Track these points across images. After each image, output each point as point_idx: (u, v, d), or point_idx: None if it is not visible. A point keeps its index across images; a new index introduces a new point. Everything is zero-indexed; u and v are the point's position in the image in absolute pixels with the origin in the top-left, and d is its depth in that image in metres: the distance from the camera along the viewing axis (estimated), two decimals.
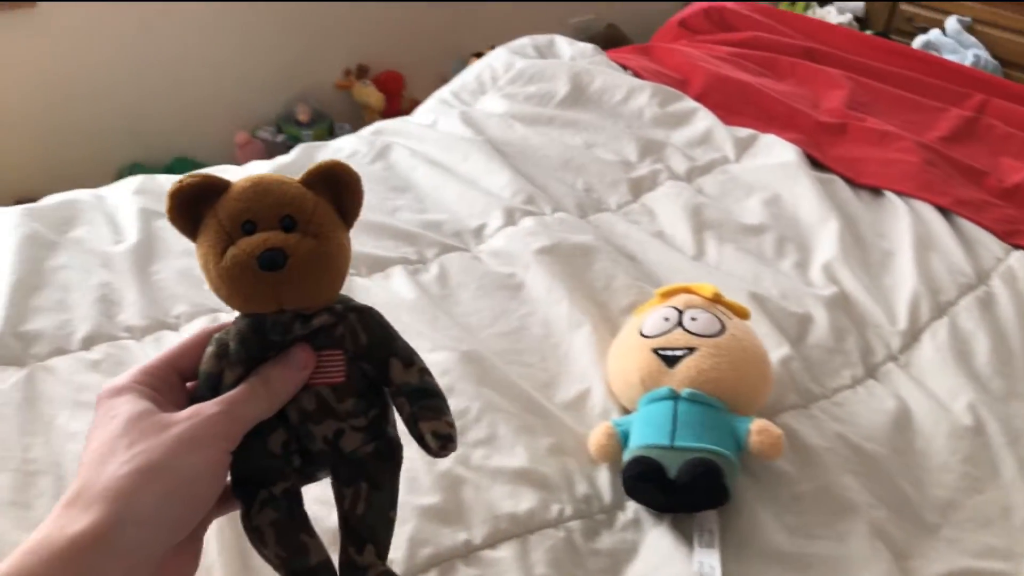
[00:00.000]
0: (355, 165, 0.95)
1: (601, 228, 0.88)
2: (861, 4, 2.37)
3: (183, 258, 0.79)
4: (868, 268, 0.83)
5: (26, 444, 0.59)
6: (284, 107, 2.26)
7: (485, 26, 2.42)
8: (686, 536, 0.56)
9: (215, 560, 0.52)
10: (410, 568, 0.53)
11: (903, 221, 0.90)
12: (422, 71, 2.41)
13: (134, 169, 2.00)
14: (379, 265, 0.80)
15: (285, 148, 2.19)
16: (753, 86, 1.13)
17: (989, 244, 0.88)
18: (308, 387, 0.42)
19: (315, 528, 0.42)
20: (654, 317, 0.65)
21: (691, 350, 0.61)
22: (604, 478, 0.60)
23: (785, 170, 0.97)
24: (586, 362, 0.70)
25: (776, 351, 0.70)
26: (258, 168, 0.96)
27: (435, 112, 1.13)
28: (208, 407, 0.40)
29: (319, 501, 0.45)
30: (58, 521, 0.35)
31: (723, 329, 0.63)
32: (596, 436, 0.61)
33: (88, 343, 0.69)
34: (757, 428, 0.58)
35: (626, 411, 0.65)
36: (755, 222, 0.89)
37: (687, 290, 0.67)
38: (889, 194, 0.95)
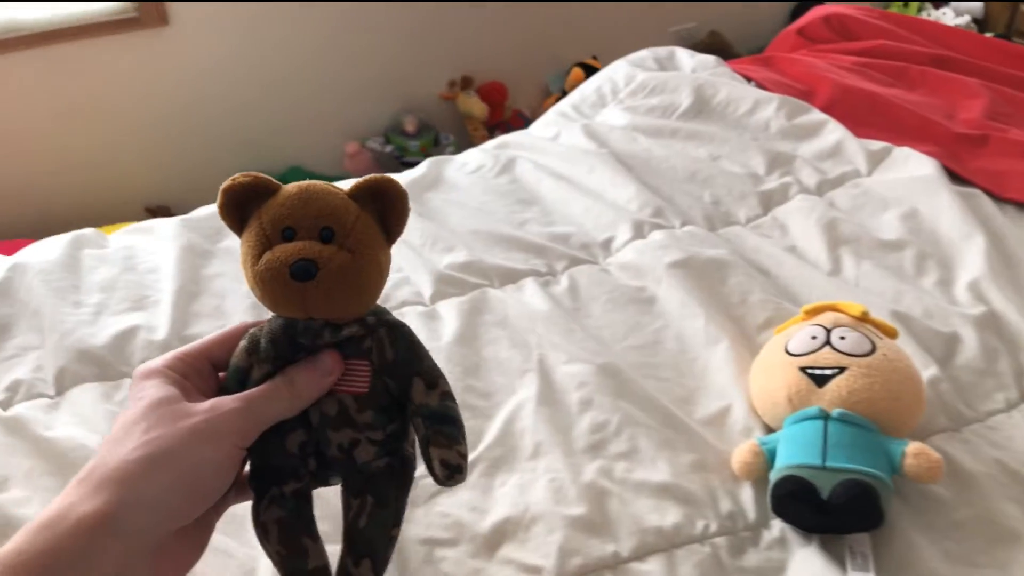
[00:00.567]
0: (481, 179, 1.00)
1: (732, 242, 0.87)
2: (980, 4, 2.24)
3: None
4: (1019, 287, 0.79)
5: None
6: (391, 118, 2.32)
7: (585, 36, 2.43)
8: (836, 557, 0.55)
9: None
10: None
11: None
12: (523, 81, 2.44)
13: None
14: (511, 277, 0.82)
15: (392, 158, 2.27)
16: (883, 97, 1.09)
17: None
18: (332, 393, 0.42)
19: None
20: (800, 335, 0.64)
21: (841, 369, 0.60)
22: (748, 495, 0.60)
23: (923, 184, 0.93)
24: (725, 378, 0.69)
25: (923, 372, 0.68)
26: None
27: (556, 125, 1.14)
28: (228, 402, 0.40)
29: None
30: (68, 497, 0.37)
31: (873, 349, 0.61)
32: (741, 453, 0.60)
33: None
34: (913, 451, 0.56)
35: (769, 429, 0.64)
36: (893, 237, 0.86)
37: (833, 308, 0.66)
38: None
